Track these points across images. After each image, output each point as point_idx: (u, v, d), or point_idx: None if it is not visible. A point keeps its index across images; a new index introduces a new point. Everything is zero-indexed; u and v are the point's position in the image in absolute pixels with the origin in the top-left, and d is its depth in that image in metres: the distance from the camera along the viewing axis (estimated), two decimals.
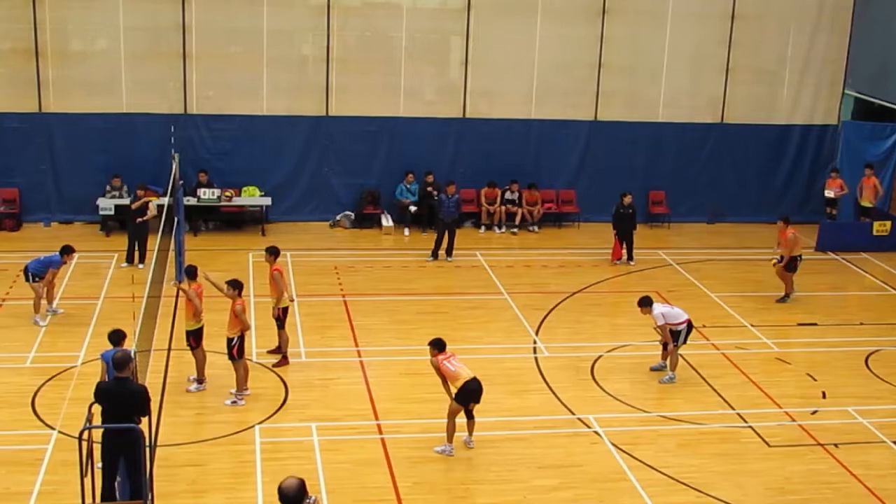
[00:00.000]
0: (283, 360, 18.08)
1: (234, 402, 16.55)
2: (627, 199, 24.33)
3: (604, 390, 17.66)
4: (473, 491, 14.46)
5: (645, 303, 18.07)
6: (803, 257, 22.50)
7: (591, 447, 15.74)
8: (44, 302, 19.59)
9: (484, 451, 15.40)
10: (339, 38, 26.44)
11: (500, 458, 15.27)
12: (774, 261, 22.42)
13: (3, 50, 25.46)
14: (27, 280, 19.53)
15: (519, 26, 27.05)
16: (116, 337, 14.67)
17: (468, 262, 24.29)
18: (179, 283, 17.55)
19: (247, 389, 16.75)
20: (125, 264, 22.78)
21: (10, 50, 25.41)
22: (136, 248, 22.91)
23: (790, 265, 22.16)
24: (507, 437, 15.90)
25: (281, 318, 17.98)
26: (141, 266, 22.47)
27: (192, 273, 17.01)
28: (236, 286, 16.64)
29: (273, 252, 18.02)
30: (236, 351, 16.53)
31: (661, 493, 14.48)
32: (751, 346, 19.90)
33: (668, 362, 18.18)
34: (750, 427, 16.52)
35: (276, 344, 18.31)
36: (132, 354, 13.07)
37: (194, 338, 16.86)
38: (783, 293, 22.37)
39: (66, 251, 19.88)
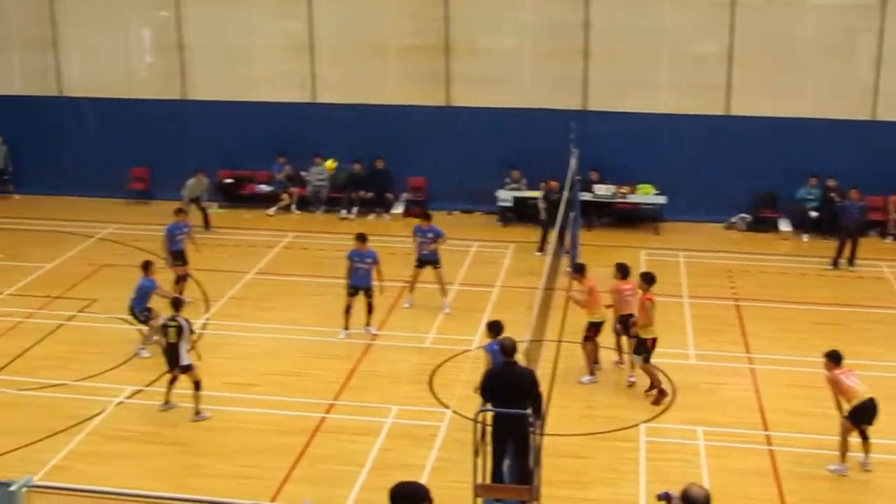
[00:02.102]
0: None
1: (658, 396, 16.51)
2: None
3: None
4: None
5: None
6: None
7: None
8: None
9: (881, 475, 14.53)
10: (742, 35, 25.82)
11: None
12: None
13: (415, 45, 26.97)
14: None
15: None
16: (496, 328, 14.98)
17: (871, 272, 22.99)
18: (573, 274, 17.75)
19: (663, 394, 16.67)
20: (538, 253, 23.23)
21: (423, 46, 26.87)
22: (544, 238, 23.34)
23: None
24: None
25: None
26: (538, 254, 22.80)
27: (580, 269, 17.18)
28: (648, 280, 16.61)
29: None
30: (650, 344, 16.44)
31: None
32: None
33: None
34: None
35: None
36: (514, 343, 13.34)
37: (594, 330, 17.04)
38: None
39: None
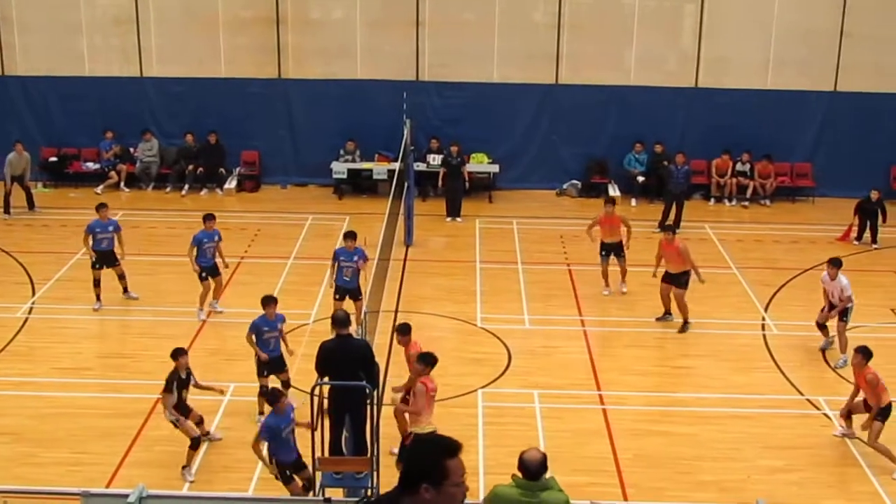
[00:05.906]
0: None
1: None
2: (875, 195, 23.16)
3: (835, 372, 16.98)
4: (696, 467, 14.20)
5: None
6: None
7: (820, 430, 15.19)
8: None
9: (708, 428, 15.11)
10: (571, 4, 26.22)
11: (724, 435, 14.94)
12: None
13: (246, 18, 26.49)
14: None
15: None
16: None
17: (696, 234, 23.71)
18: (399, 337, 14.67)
19: None
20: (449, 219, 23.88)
21: (253, 18, 26.42)
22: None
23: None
24: (733, 414, 15.54)
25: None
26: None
27: (405, 330, 14.60)
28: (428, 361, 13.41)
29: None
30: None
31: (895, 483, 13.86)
32: None
33: None
34: None
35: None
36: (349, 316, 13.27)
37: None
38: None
39: None
